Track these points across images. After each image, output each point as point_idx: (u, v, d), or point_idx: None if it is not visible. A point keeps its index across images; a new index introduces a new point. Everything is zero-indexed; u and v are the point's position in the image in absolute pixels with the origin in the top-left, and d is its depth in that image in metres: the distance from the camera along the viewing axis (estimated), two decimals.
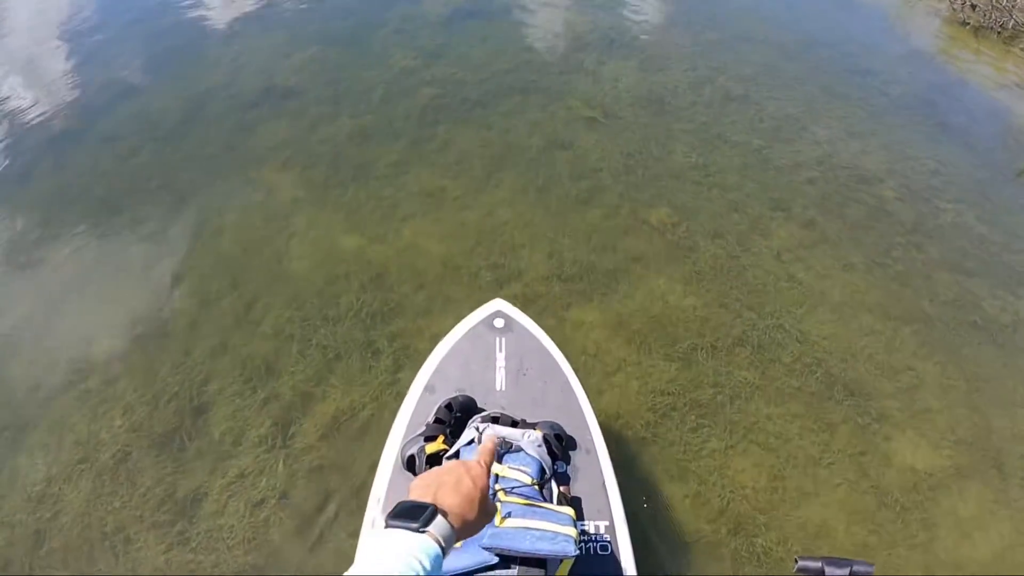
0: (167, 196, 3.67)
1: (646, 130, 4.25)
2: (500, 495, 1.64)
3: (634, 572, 1.80)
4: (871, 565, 1.10)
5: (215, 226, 3.53)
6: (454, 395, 2.04)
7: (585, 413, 2.08)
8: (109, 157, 3.94)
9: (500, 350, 2.20)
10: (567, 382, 2.15)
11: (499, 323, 2.27)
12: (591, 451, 2.00)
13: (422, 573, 0.78)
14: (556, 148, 4.06)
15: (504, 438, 1.79)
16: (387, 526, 0.84)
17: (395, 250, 3.39)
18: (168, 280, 3.25)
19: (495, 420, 1.91)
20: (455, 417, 1.98)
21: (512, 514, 1.56)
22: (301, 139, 4.06)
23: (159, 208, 3.60)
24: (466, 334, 2.26)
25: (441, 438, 1.91)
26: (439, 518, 0.85)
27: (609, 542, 1.83)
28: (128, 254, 3.39)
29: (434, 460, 1.90)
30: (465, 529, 0.89)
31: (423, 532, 0.82)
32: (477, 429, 1.83)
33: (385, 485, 1.98)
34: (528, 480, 1.70)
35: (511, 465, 1.73)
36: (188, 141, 4.06)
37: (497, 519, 1.54)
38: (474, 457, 0.99)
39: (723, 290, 3.28)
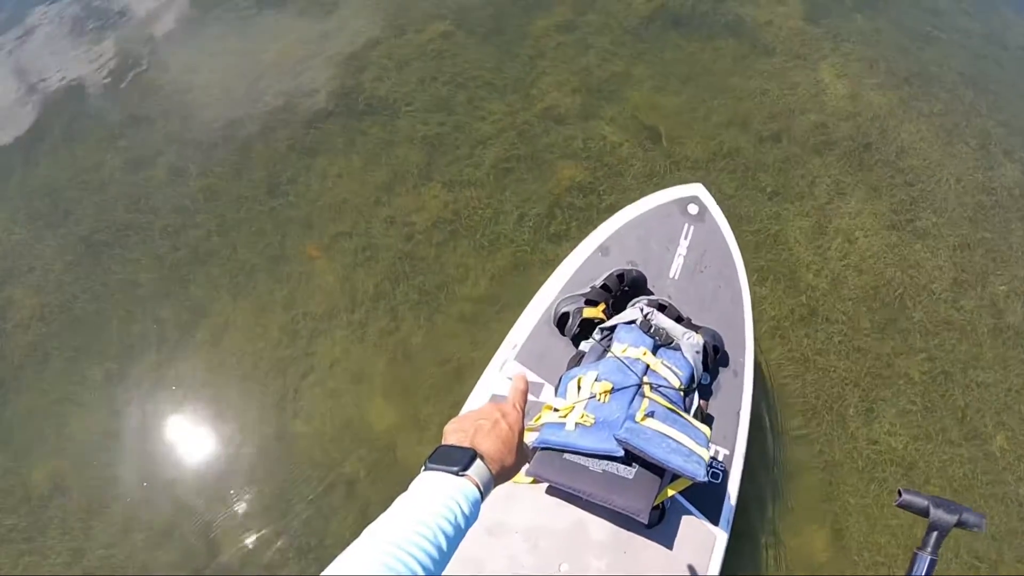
0: None
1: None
2: (646, 390, 1.59)
3: (732, 512, 1.75)
4: (982, 516, 1.05)
5: None
6: (627, 267, 1.95)
7: (746, 333, 1.98)
8: None
9: (685, 237, 2.09)
10: (739, 294, 2.03)
11: (693, 209, 2.14)
12: (738, 374, 1.91)
13: (462, 516, 0.79)
14: None
15: (666, 331, 1.74)
16: (426, 468, 0.84)
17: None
18: None
19: (661, 308, 1.84)
20: (623, 290, 1.91)
21: (655, 414, 1.53)
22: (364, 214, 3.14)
23: None
24: (656, 208, 2.14)
25: (603, 306, 1.85)
26: (478, 462, 0.85)
27: (722, 471, 1.78)
28: None
29: (587, 326, 1.85)
30: (503, 474, 0.89)
31: (463, 476, 0.83)
32: (641, 311, 1.77)
33: (527, 332, 1.91)
34: (676, 384, 1.65)
35: (665, 362, 1.68)
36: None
37: (639, 414, 1.51)
38: (510, 398, 0.98)
39: None
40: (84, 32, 4.05)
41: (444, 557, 0.76)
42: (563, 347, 1.91)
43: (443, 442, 0.90)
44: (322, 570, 0.71)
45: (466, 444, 0.87)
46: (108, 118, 3.59)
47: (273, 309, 3.00)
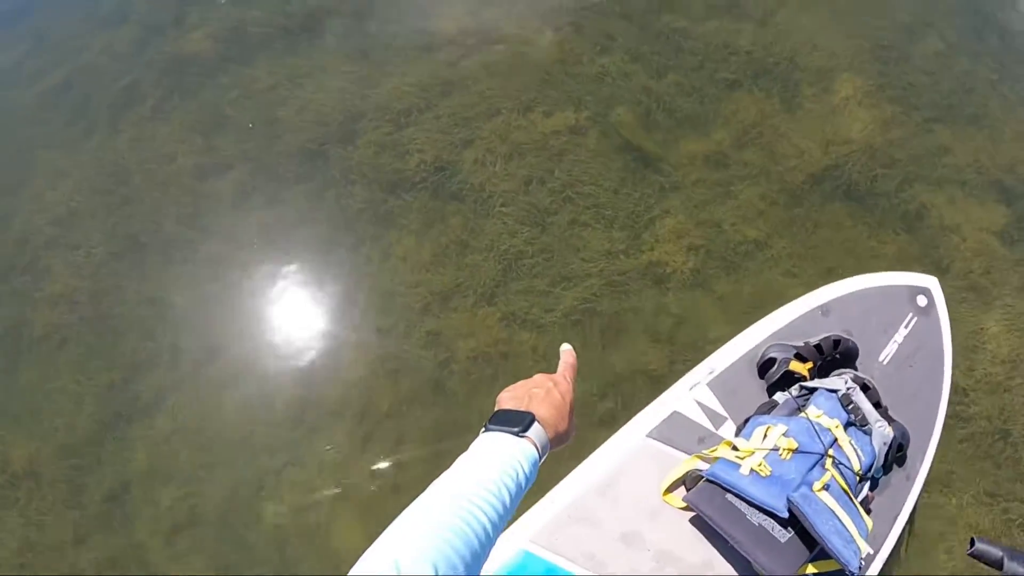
0: None
1: None
2: (828, 462, 1.61)
3: None
4: None
5: None
6: (844, 335, 1.94)
7: (931, 445, 1.96)
8: None
9: (906, 326, 2.07)
10: (936, 404, 2.01)
11: (921, 301, 2.12)
12: (910, 479, 1.90)
13: (523, 476, 0.82)
14: None
15: (863, 412, 1.74)
16: (487, 430, 0.89)
17: None
18: None
19: (864, 388, 1.82)
20: (833, 356, 1.91)
21: (829, 489, 1.55)
22: (408, 317, 2.79)
23: None
24: (886, 287, 2.13)
25: (810, 365, 1.86)
26: (536, 425, 0.88)
27: (865, 569, 1.77)
28: None
29: (787, 379, 1.87)
30: (557, 439, 0.92)
31: (523, 437, 0.86)
32: (846, 383, 1.77)
33: (727, 363, 1.94)
34: (856, 467, 1.65)
35: (853, 442, 1.69)
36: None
37: (818, 484, 1.54)
38: (560, 369, 1.02)
39: None
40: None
41: (507, 513, 0.80)
42: (756, 390, 1.93)
43: (498, 408, 0.93)
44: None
45: (523, 408, 0.90)
46: (202, 102, 3.35)
47: (282, 382, 2.76)
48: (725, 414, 1.88)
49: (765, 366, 1.91)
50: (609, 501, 1.72)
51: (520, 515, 1.74)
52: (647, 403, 2.05)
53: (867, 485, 1.73)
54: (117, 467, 2.70)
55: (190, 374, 2.84)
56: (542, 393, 0.93)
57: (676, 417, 1.87)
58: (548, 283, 2.79)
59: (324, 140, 3.10)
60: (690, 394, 1.90)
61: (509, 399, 0.94)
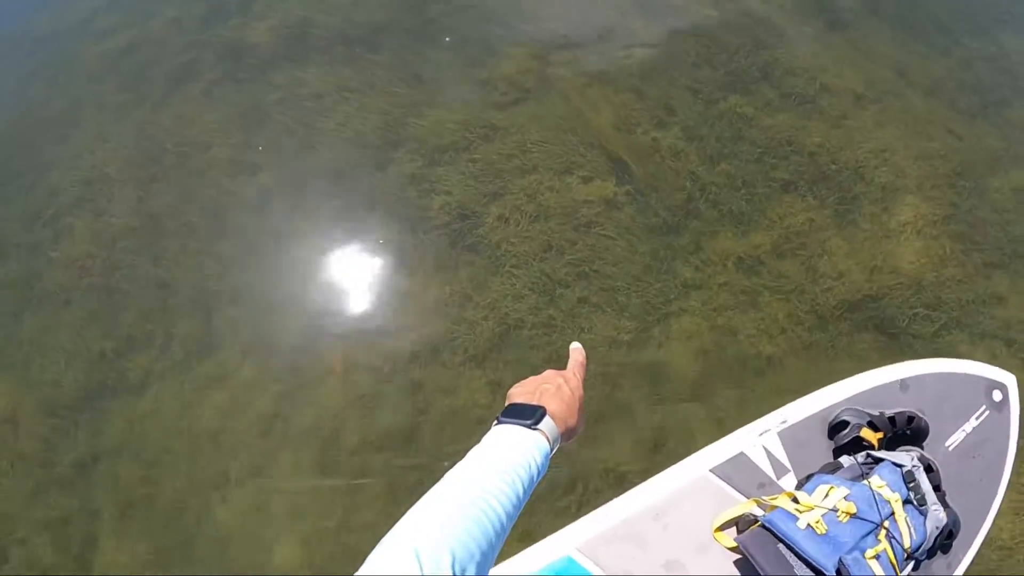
0: None
1: None
2: (882, 534, 1.64)
3: None
4: None
5: None
6: (919, 414, 1.96)
7: (977, 538, 1.96)
8: None
9: (977, 417, 2.08)
10: (990, 501, 2.02)
11: (996, 396, 2.12)
12: (951, 567, 1.91)
13: (535, 467, 0.84)
14: None
15: (923, 493, 1.76)
16: (499, 423, 0.90)
17: None
18: None
19: (928, 469, 1.83)
20: (904, 431, 1.94)
21: (879, 559, 1.58)
22: (397, 362, 2.75)
23: None
24: (966, 374, 2.14)
25: (881, 435, 1.89)
26: (548, 418, 0.90)
27: None
28: None
29: (855, 444, 1.89)
30: (567, 433, 0.93)
31: (535, 430, 0.88)
32: (911, 461, 1.80)
33: (801, 417, 1.97)
34: (907, 544, 1.67)
35: (908, 519, 1.71)
36: None
37: (870, 552, 1.58)
38: (569, 366, 1.04)
39: None
40: None
41: (520, 504, 0.81)
42: (823, 448, 1.96)
43: (509, 402, 0.95)
44: None
45: (535, 403, 0.92)
46: (249, 96, 3.35)
47: (266, 387, 2.76)
48: (788, 465, 1.92)
49: (837, 427, 1.94)
50: (660, 526, 1.78)
51: (573, 522, 1.80)
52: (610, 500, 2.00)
53: (911, 565, 1.74)
54: (91, 435, 2.76)
55: (179, 364, 2.86)
56: (552, 388, 0.95)
57: (741, 458, 1.91)
58: (543, 358, 2.69)
59: (356, 161, 3.06)
60: (759, 439, 1.94)
61: (520, 394, 0.96)
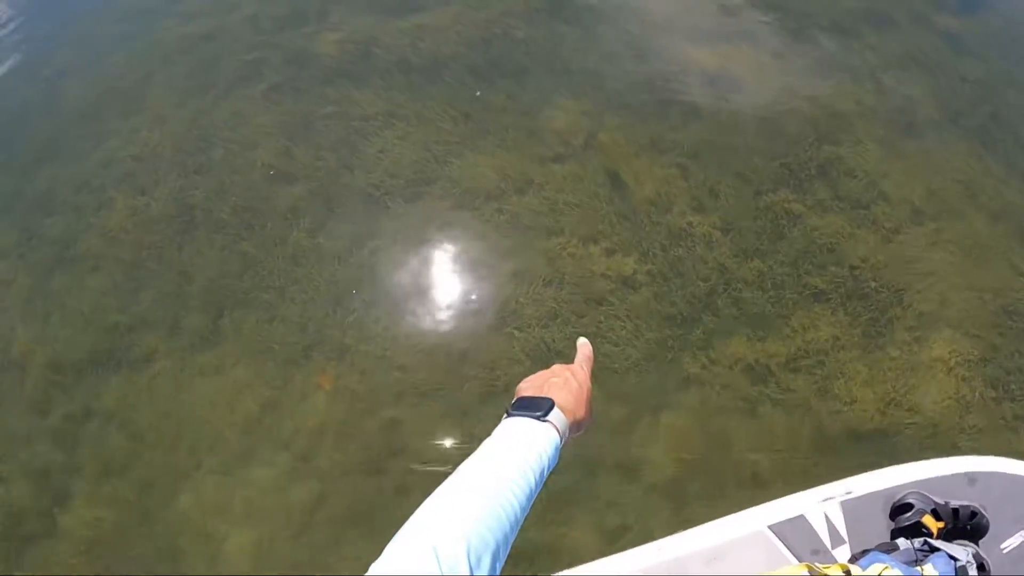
0: None
1: None
2: None
3: None
4: None
5: None
6: (982, 510, 1.95)
7: None
8: None
9: None
10: None
11: None
12: None
13: (547, 459, 0.85)
14: None
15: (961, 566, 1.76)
16: (509, 416, 0.91)
17: None
18: None
19: (981, 567, 1.82)
20: (965, 525, 1.93)
21: None
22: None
23: None
24: None
25: (942, 524, 1.89)
26: (556, 410, 0.90)
27: None
28: None
29: (913, 529, 1.89)
30: (575, 425, 0.94)
31: (545, 421, 0.88)
32: (966, 557, 1.77)
33: (864, 491, 1.98)
34: None
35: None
36: None
37: None
38: (577, 360, 1.06)
39: None
40: None
41: (532, 495, 0.82)
42: (881, 526, 1.95)
43: (518, 396, 0.95)
44: None
45: (543, 395, 0.93)
46: (302, 105, 3.42)
47: (251, 396, 2.83)
48: (845, 537, 1.91)
49: (900, 509, 1.92)
50: (710, 572, 1.80)
51: (628, 548, 1.85)
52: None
53: None
54: (88, 396, 2.90)
55: (183, 350, 2.96)
56: (560, 381, 0.96)
57: (800, 521, 1.92)
58: None
59: (388, 191, 3.09)
60: (821, 505, 1.95)
61: (528, 387, 0.97)
